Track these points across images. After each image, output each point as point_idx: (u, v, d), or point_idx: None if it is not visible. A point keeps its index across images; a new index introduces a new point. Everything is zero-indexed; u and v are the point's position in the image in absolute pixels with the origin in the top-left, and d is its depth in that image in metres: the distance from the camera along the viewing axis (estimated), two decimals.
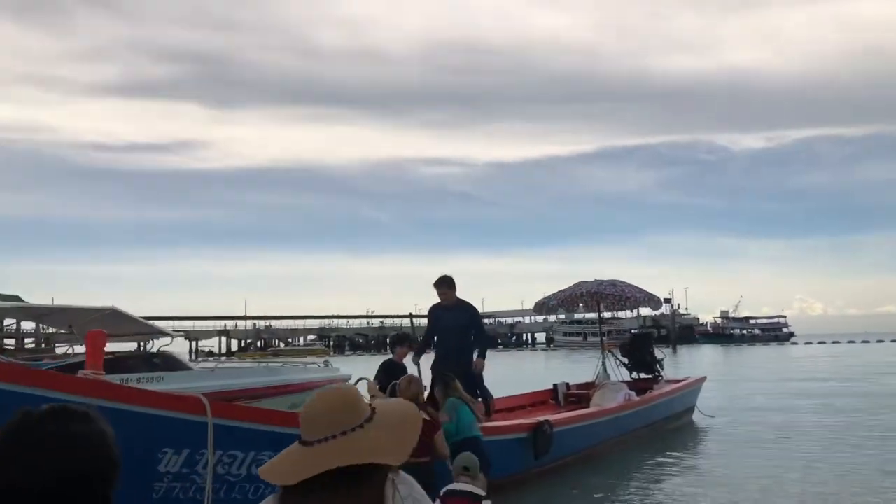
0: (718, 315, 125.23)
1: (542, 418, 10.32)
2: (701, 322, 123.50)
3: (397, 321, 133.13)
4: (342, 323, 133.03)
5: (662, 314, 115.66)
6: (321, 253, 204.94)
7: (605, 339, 16.85)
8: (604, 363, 15.79)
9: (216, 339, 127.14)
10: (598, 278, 15.79)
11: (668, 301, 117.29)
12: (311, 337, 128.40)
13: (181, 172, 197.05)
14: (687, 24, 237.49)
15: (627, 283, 15.80)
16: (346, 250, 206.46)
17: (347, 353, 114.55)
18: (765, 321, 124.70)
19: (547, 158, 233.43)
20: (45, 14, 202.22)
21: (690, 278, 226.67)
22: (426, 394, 10.10)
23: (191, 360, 19.88)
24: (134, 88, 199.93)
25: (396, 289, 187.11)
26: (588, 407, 14.48)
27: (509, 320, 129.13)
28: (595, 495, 9.64)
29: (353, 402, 1.83)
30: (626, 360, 16.36)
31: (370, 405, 1.86)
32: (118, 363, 11.94)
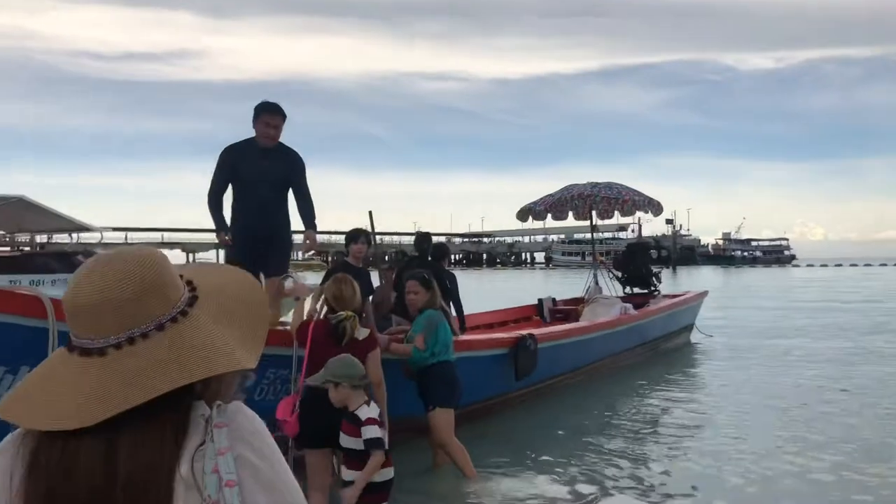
0: (720, 237, 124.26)
1: (524, 333, 8.84)
2: (702, 244, 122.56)
3: (396, 238, 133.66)
4: (340, 239, 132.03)
5: (664, 235, 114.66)
6: (319, 167, 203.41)
7: (597, 252, 15.25)
8: (595, 276, 14.32)
9: (213, 251, 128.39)
10: (592, 181, 14.14)
11: (669, 222, 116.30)
12: (309, 252, 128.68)
13: (175, 83, 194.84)
14: None
15: (625, 186, 14.12)
16: (344, 165, 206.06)
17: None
18: (766, 244, 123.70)
19: (549, 75, 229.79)
20: None
21: (693, 200, 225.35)
22: (393, 298, 8.75)
23: None
24: None
25: (396, 205, 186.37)
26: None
27: (508, 239, 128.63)
28: (585, 422, 8.31)
29: (159, 273, 1.15)
30: (619, 274, 14.90)
31: (184, 278, 1.21)
32: (24, 261, 10.25)
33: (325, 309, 5.51)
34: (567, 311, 14.11)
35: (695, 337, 15.30)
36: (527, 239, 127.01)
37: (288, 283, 6.26)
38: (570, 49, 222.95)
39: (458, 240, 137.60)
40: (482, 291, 32.25)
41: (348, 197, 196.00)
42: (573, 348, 10.28)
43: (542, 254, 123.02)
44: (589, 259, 18.04)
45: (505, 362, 8.34)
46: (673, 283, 42.28)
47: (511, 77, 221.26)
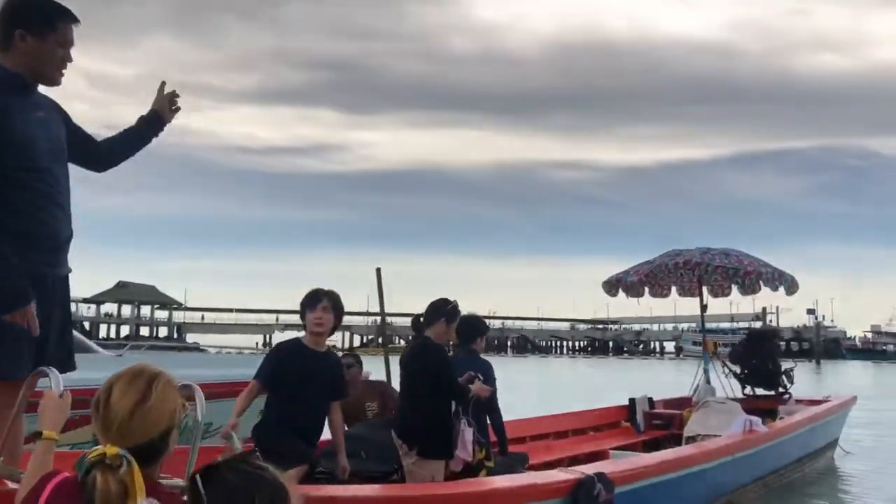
0: (869, 329, 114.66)
1: (588, 471, 5.58)
2: (848, 336, 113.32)
3: (518, 323, 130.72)
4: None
5: (805, 326, 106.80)
6: (448, 253, 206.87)
7: (710, 340, 11.98)
8: (706, 371, 11.14)
9: (338, 334, 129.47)
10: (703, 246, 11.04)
11: (811, 312, 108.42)
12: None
13: (318, 175, 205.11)
14: (831, 20, 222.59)
15: (747, 254, 10.91)
16: (472, 252, 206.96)
17: None
18: None
19: (682, 162, 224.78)
20: (199, 26, 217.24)
21: (837, 291, 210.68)
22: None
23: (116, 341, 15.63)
24: (276, 95, 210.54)
25: (520, 291, 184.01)
26: (681, 434, 10.03)
27: (636, 327, 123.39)
28: None
29: None
30: (736, 369, 11.66)
31: None
32: None
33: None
34: (668, 416, 10.98)
35: (838, 455, 11.78)
36: (656, 327, 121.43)
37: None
38: (703, 136, 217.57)
39: (582, 326, 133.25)
40: (595, 381, 28.94)
41: (473, 281, 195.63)
42: (671, 489, 6.75)
43: (672, 343, 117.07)
44: (725, 350, 14.54)
45: None
46: (817, 380, 37.54)
47: (641, 164, 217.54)
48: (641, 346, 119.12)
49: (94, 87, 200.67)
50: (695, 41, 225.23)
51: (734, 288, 11.32)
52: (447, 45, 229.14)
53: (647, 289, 11.50)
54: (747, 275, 10.22)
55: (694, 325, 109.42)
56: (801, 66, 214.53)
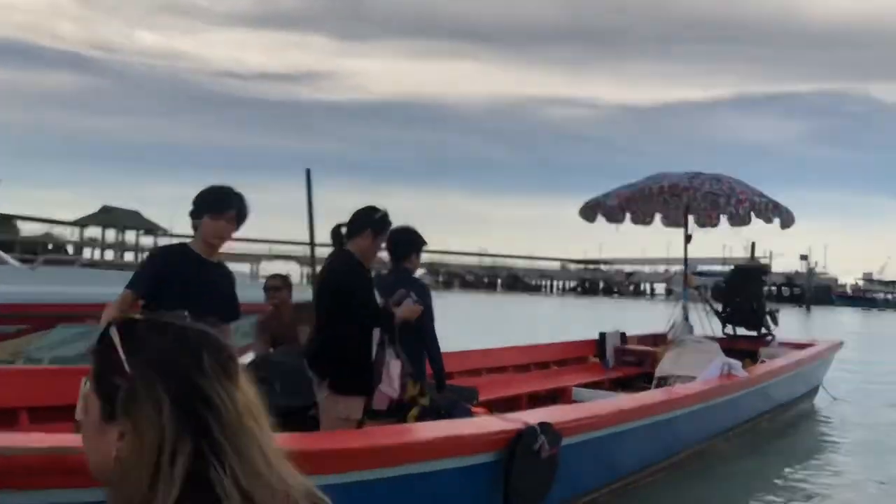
0: (861, 276, 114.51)
1: (530, 420, 4.74)
2: (840, 283, 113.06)
3: (509, 261, 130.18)
4: (453, 259, 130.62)
5: (797, 272, 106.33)
6: (438, 189, 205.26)
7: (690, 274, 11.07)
8: (685, 308, 10.34)
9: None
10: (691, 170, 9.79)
11: (804, 258, 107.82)
12: (420, 271, 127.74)
13: (307, 103, 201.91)
14: None
15: (740, 181, 9.72)
16: (464, 188, 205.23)
17: (455, 289, 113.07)
18: None
19: (680, 103, 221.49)
20: None
21: (831, 237, 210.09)
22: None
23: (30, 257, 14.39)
24: (267, 18, 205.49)
25: (513, 229, 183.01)
26: (653, 374, 9.31)
27: (627, 268, 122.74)
28: None
29: None
30: (718, 308, 10.86)
31: None
32: None
33: None
34: (640, 354, 10.23)
35: (820, 400, 11.10)
36: (647, 269, 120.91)
37: None
38: (702, 76, 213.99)
39: (573, 266, 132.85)
40: (584, 319, 28.36)
41: (464, 218, 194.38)
42: (632, 440, 6.00)
43: (664, 285, 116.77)
44: (703, 280, 13.55)
45: (488, 479, 4.48)
46: (806, 324, 37.05)
47: (639, 103, 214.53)
48: (633, 288, 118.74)
49: (80, 5, 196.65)
50: None
51: (723, 218, 10.42)
52: None
53: (628, 215, 10.63)
54: (739, 203, 9.19)
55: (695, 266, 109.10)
56: (807, 7, 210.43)
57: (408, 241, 5.48)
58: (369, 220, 4.71)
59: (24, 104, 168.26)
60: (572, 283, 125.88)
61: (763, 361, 9.50)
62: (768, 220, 9.43)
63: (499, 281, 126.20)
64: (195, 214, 4.23)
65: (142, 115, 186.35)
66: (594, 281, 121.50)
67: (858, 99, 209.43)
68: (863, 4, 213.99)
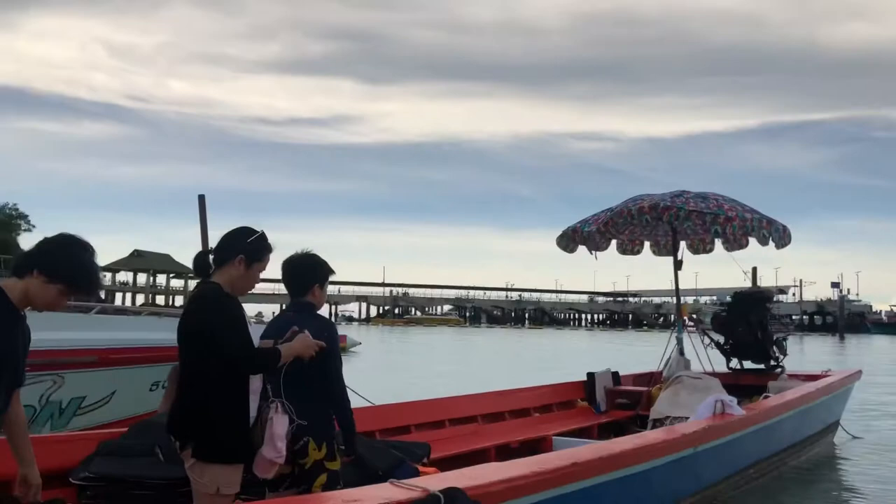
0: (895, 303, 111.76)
1: (432, 486, 3.65)
2: (874, 310, 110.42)
3: (535, 295, 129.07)
4: (479, 294, 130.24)
5: (829, 299, 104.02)
6: (464, 226, 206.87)
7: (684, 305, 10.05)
8: (679, 341, 9.41)
9: (355, 304, 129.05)
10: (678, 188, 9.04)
11: (835, 285, 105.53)
12: (447, 307, 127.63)
13: (336, 146, 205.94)
14: None
15: (729, 198, 8.78)
16: (489, 224, 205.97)
17: (483, 324, 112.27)
18: None
19: (704, 134, 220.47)
20: None
21: (863, 263, 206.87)
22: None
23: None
24: (295, 65, 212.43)
25: (537, 264, 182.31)
26: (647, 417, 8.44)
27: (656, 300, 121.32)
28: None
29: None
30: (719, 339, 9.90)
31: None
32: None
33: None
34: (633, 395, 9.29)
35: (840, 439, 10.06)
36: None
37: None
38: (725, 107, 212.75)
39: (601, 299, 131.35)
40: (602, 351, 27.30)
41: (490, 254, 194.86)
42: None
43: (693, 316, 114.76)
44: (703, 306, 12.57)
45: None
46: (839, 353, 35.54)
47: (662, 136, 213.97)
48: (661, 320, 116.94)
49: (113, 57, 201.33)
50: (720, 10, 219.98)
51: (717, 242, 9.59)
52: (464, 13, 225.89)
53: (614, 242, 9.79)
54: (728, 221, 8.25)
55: (715, 298, 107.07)
56: (829, 36, 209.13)
57: (309, 271, 4.54)
58: (240, 245, 3.84)
59: (63, 154, 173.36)
60: (601, 316, 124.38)
61: (767, 396, 8.51)
62: (763, 241, 8.44)
63: (526, 315, 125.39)
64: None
65: (173, 161, 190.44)
66: (623, 313, 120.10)
67: (883, 124, 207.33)
68: (884, 32, 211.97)
